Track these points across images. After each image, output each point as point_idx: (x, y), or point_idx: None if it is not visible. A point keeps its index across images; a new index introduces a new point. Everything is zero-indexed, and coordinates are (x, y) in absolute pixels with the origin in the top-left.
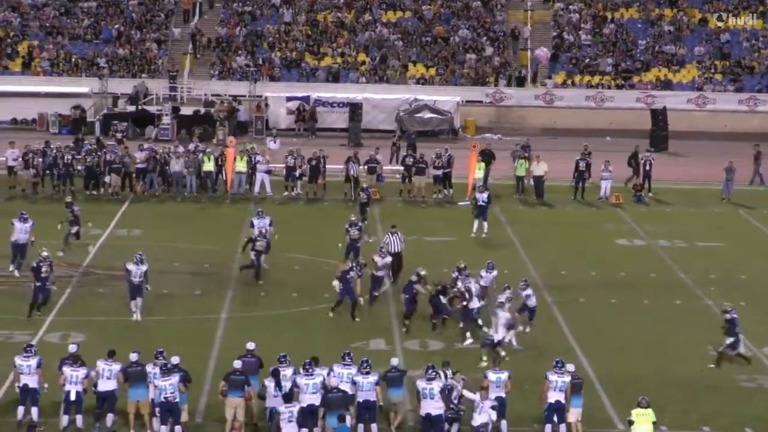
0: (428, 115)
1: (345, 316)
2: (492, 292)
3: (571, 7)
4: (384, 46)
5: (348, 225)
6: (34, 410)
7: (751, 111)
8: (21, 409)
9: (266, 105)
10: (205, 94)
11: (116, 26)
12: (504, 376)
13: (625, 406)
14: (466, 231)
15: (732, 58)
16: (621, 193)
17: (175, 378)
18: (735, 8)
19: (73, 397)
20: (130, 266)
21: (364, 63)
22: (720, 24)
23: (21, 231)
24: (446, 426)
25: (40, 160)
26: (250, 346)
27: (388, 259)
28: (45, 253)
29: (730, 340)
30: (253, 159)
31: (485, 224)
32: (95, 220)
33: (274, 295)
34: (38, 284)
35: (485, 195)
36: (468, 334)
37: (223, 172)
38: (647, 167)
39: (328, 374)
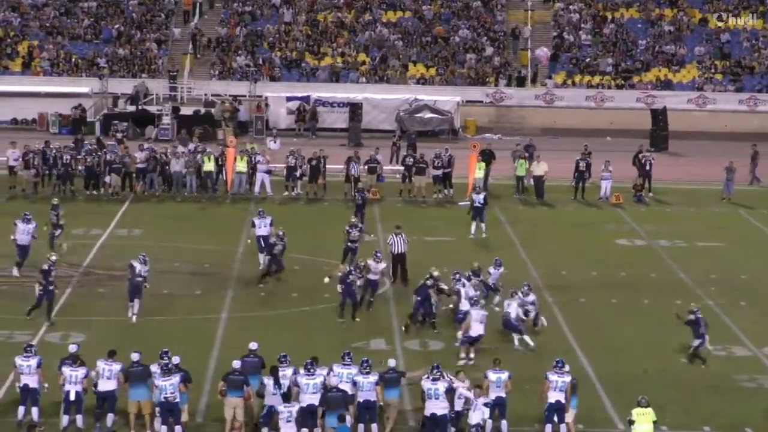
0: (428, 115)
1: (345, 316)
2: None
3: (571, 7)
4: (384, 46)
5: (348, 226)
6: (35, 410)
7: (752, 111)
8: (21, 409)
9: (266, 105)
10: (205, 94)
11: (116, 26)
12: (504, 376)
13: (626, 406)
14: (466, 231)
15: (732, 58)
16: (621, 193)
17: (175, 378)
18: (735, 8)
19: (72, 397)
20: (135, 263)
21: (364, 63)
22: (721, 24)
23: (24, 232)
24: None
25: (40, 160)
26: (253, 346)
27: (383, 264)
28: (54, 257)
29: (696, 341)
30: (253, 159)
31: (483, 225)
32: (95, 221)
33: (274, 295)
34: (43, 288)
35: (481, 196)
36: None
37: (224, 172)
38: (647, 167)
39: (328, 374)
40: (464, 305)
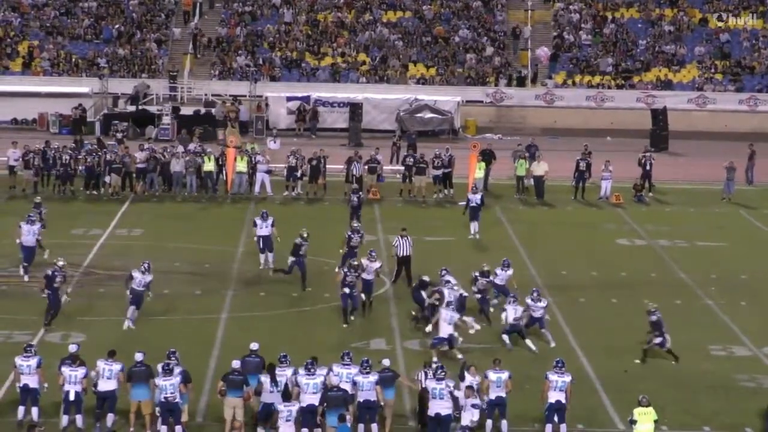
0: (428, 115)
1: (348, 320)
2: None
3: (571, 7)
4: (384, 46)
5: (350, 231)
6: (35, 410)
7: (752, 111)
8: (21, 409)
9: (266, 105)
10: (206, 94)
11: (116, 26)
12: (504, 375)
13: (626, 405)
14: (467, 231)
15: (732, 58)
16: (622, 193)
17: (176, 378)
18: (735, 8)
19: (72, 397)
20: (136, 273)
21: (364, 63)
22: (721, 24)
23: (28, 233)
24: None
25: (40, 160)
26: (254, 346)
27: (378, 263)
28: (61, 263)
29: (658, 339)
30: (253, 159)
31: (476, 225)
32: (95, 220)
33: (274, 295)
34: (50, 293)
35: (478, 197)
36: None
37: (224, 172)
38: (647, 167)
39: (328, 374)
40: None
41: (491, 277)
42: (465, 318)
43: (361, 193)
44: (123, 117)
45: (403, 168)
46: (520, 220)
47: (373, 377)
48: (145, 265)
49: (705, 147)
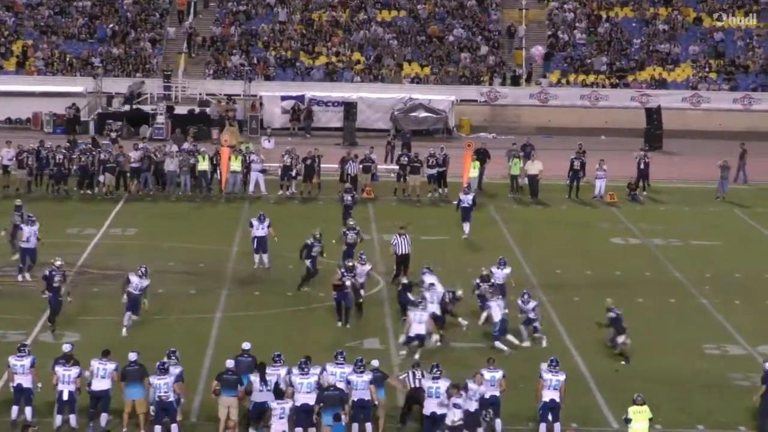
0: (423, 114)
1: (342, 320)
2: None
3: (565, 6)
4: (379, 45)
5: (346, 229)
6: (28, 410)
7: (746, 110)
8: (15, 409)
9: (261, 104)
10: (200, 94)
11: (111, 25)
12: (498, 374)
13: (620, 404)
14: (461, 231)
15: (726, 57)
16: (616, 192)
17: (170, 377)
18: (730, 7)
19: (65, 396)
20: (133, 278)
21: (359, 62)
22: (718, 23)
23: (29, 234)
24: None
25: (34, 159)
26: (246, 345)
27: (368, 266)
28: (59, 263)
29: (622, 337)
30: (247, 158)
31: (468, 226)
32: (89, 220)
33: (268, 295)
34: (51, 294)
35: (470, 197)
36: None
37: (218, 171)
38: (641, 165)
39: (321, 373)
40: (430, 307)
41: (492, 281)
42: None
43: (354, 192)
44: (117, 116)
45: (397, 167)
46: (514, 219)
47: (367, 376)
48: (143, 269)
49: (699, 146)
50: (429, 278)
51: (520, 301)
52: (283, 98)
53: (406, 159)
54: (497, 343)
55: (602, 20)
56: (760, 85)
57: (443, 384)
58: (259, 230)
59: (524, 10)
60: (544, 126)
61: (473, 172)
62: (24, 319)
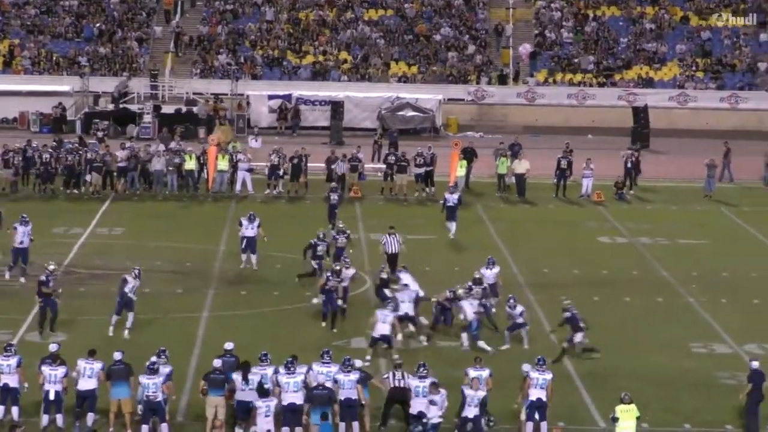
0: (410, 113)
1: (329, 323)
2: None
3: (552, 5)
4: (366, 44)
5: (336, 233)
6: (15, 410)
7: (733, 108)
8: (1, 409)
9: (248, 103)
10: (187, 93)
11: (98, 25)
12: (485, 373)
13: (607, 403)
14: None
15: (713, 55)
16: (603, 190)
17: (160, 378)
18: (716, 6)
19: (52, 396)
20: (129, 279)
21: (346, 61)
22: (708, 22)
23: (23, 234)
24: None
25: (21, 159)
26: (228, 346)
27: (352, 270)
28: (52, 267)
29: (579, 335)
30: (234, 157)
31: (453, 225)
32: (76, 219)
33: (255, 294)
34: (43, 299)
35: (455, 196)
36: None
37: (205, 170)
38: (628, 165)
39: (308, 372)
40: (402, 307)
41: (484, 284)
42: (418, 319)
43: (341, 191)
44: (104, 116)
45: (384, 166)
46: (501, 219)
47: (354, 375)
48: (136, 271)
49: (686, 145)
50: (404, 278)
51: (507, 306)
52: (270, 97)
53: (394, 158)
54: (481, 343)
55: (589, 19)
56: (747, 84)
57: (429, 383)
58: (249, 230)
59: (511, 9)
60: (531, 125)
61: (460, 171)
62: (9, 318)
